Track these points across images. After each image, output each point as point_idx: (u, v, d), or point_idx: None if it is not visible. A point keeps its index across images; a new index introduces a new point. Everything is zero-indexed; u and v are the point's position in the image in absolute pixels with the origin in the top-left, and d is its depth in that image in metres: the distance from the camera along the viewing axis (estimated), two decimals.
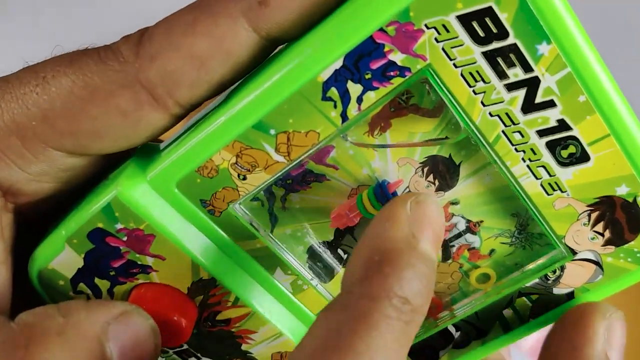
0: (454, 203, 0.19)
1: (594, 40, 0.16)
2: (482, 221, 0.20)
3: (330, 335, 0.15)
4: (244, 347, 0.21)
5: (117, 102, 0.17)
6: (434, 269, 0.16)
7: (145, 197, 0.18)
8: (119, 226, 0.18)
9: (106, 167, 0.19)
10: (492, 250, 0.20)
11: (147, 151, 0.19)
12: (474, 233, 0.20)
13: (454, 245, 0.20)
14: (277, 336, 0.20)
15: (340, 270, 0.21)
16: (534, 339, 0.57)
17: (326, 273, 0.21)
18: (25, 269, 0.20)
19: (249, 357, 0.21)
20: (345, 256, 0.21)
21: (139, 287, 0.19)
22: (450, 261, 0.20)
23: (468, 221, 0.20)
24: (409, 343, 0.15)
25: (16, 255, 0.20)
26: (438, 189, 0.19)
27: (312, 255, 0.21)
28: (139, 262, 0.19)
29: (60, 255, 0.19)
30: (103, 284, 0.19)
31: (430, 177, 0.19)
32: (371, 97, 0.16)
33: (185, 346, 0.21)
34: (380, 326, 0.14)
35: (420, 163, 0.19)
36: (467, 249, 0.20)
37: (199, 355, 0.21)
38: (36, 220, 0.20)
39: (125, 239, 0.18)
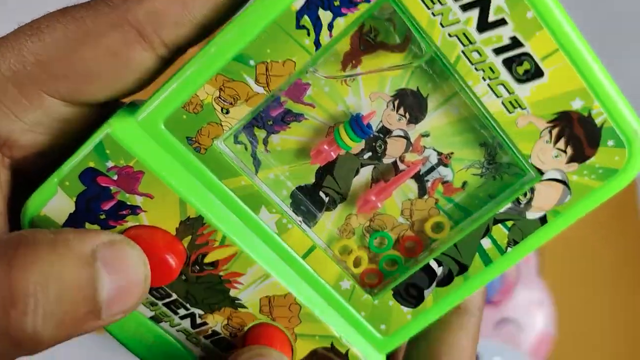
0: (424, 135, 0.21)
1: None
2: (452, 153, 0.21)
3: None
4: (232, 292, 0.21)
5: (108, 42, 0.18)
6: None
7: (135, 135, 0.19)
8: (110, 164, 0.19)
9: (97, 122, 0.21)
10: (465, 183, 0.21)
11: (135, 105, 0.20)
12: (445, 165, 0.21)
13: (428, 180, 0.21)
14: (264, 278, 0.21)
15: (321, 216, 0.22)
16: (535, 339, 0.57)
17: (309, 218, 0.22)
18: (19, 226, 0.20)
19: (238, 304, 0.21)
20: (326, 199, 0.22)
21: (129, 230, 0.20)
22: (426, 197, 0.21)
23: (439, 153, 0.21)
24: None
25: (12, 212, 0.20)
26: (409, 122, 0.20)
27: (295, 200, 0.21)
28: (129, 203, 0.19)
29: (52, 200, 0.19)
30: (93, 229, 0.20)
31: (401, 111, 0.20)
32: (340, 23, 0.18)
33: (175, 296, 0.21)
34: None
35: (391, 96, 0.20)
36: (440, 183, 0.21)
37: (187, 306, 0.21)
38: (32, 177, 0.21)
39: (115, 177, 0.19)
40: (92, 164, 0.19)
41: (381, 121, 0.20)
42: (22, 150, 0.20)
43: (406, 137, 0.21)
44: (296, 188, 0.21)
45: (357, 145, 0.21)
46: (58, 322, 0.17)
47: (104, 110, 0.20)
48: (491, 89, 0.19)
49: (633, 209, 0.66)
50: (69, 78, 0.19)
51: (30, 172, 0.21)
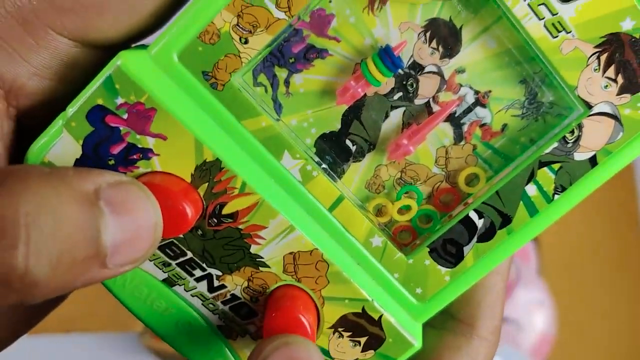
0: (460, 71, 0.19)
1: None
2: (490, 91, 0.19)
3: None
4: (253, 249, 0.19)
5: None
6: None
7: (148, 69, 0.18)
8: (120, 101, 0.17)
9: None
10: (505, 126, 0.19)
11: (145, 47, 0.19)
12: (483, 106, 0.19)
13: (464, 123, 0.20)
14: (289, 231, 0.19)
15: (348, 167, 0.20)
16: (535, 339, 0.56)
17: (335, 169, 0.20)
18: None
19: (260, 263, 0.19)
20: (354, 148, 0.20)
21: (140, 177, 0.18)
22: (463, 143, 0.20)
23: (476, 92, 0.19)
24: None
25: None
26: (443, 56, 0.19)
27: (319, 148, 0.20)
28: (140, 145, 0.18)
29: (57, 144, 0.18)
30: None
31: (434, 43, 0.19)
32: None
33: (190, 255, 0.19)
34: None
35: (422, 27, 0.19)
36: (478, 126, 0.20)
37: (204, 266, 0.19)
38: (36, 130, 0.19)
39: (125, 116, 0.18)
40: (100, 101, 0.17)
41: (412, 55, 0.19)
42: (28, 99, 0.18)
43: (440, 74, 0.19)
44: (320, 136, 0.20)
45: (386, 82, 0.19)
46: (54, 261, 0.15)
47: (114, 56, 0.19)
48: (532, 9, 0.17)
49: (633, 209, 0.67)
50: (77, 12, 0.18)
51: (35, 125, 0.19)
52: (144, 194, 0.17)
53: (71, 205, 0.15)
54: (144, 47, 0.19)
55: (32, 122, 0.19)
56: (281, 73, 0.19)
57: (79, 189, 0.15)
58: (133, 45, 0.19)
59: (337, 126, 0.20)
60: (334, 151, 0.20)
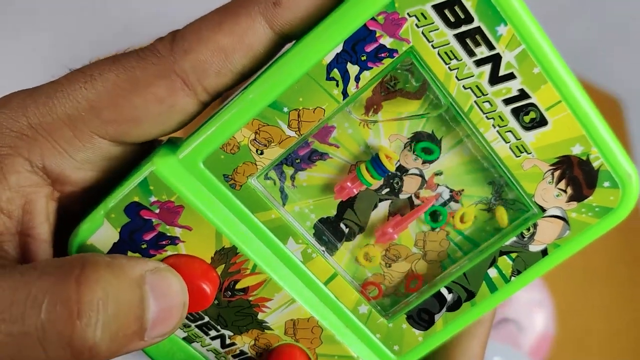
0: (438, 174, 0.23)
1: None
2: (463, 190, 0.23)
3: None
4: (260, 315, 0.23)
5: (155, 91, 0.20)
6: None
7: (177, 173, 0.21)
8: (153, 199, 0.21)
9: (139, 160, 0.22)
10: (474, 217, 0.23)
11: (173, 142, 0.22)
12: (456, 201, 0.23)
13: (440, 215, 0.23)
14: (290, 303, 0.23)
15: (341, 245, 0.24)
16: (535, 339, 0.58)
17: (329, 247, 0.24)
18: (63, 253, 0.22)
19: (265, 326, 0.23)
20: (347, 230, 0.23)
21: (168, 258, 0.22)
22: (438, 230, 0.23)
23: (451, 190, 0.23)
24: None
25: (56, 240, 0.22)
26: (424, 162, 0.22)
27: (318, 230, 0.23)
28: (169, 234, 0.21)
29: (99, 231, 0.21)
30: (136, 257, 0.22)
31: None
32: (366, 75, 0.20)
33: (207, 319, 0.23)
34: None
35: (408, 138, 0.22)
36: (452, 217, 0.23)
37: (218, 327, 0.23)
38: (75, 213, 0.22)
39: (157, 211, 0.21)
40: (136, 199, 0.21)
41: (399, 160, 0.22)
42: (71, 186, 0.22)
43: (421, 175, 0.23)
44: (319, 220, 0.23)
45: (377, 182, 0.23)
46: (113, 336, 0.18)
47: (145, 147, 0.22)
48: (500, 135, 0.21)
49: (633, 209, 0.67)
50: (119, 122, 0.21)
51: (75, 204, 0.22)
52: (177, 279, 0.20)
53: (127, 291, 0.19)
54: (172, 144, 0.22)
55: (73, 203, 0.22)
56: (288, 170, 0.22)
57: (132, 275, 0.19)
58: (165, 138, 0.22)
59: (333, 213, 0.23)
60: (330, 232, 0.23)
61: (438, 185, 0.23)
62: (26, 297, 0.18)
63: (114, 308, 0.18)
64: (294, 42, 0.21)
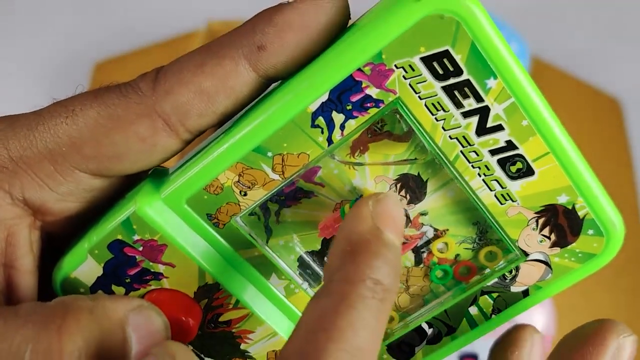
0: (423, 214, 0.23)
1: None
2: (447, 229, 0.23)
3: (317, 318, 0.17)
4: (242, 346, 0.23)
5: (137, 129, 0.20)
6: (398, 253, 0.19)
7: (160, 212, 0.21)
8: (136, 237, 0.21)
9: (123, 188, 0.22)
10: (457, 255, 0.23)
11: (158, 174, 0.22)
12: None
13: (424, 252, 0.23)
14: (272, 335, 0.23)
15: None
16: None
17: (314, 279, 0.24)
18: (48, 281, 0.22)
19: (247, 356, 0.23)
20: None
21: (151, 292, 0.22)
22: (421, 266, 0.24)
23: (435, 230, 0.23)
24: (386, 318, 0.18)
25: (41, 269, 0.22)
26: (409, 202, 0.22)
27: (302, 263, 0.23)
28: (152, 270, 0.21)
29: (82, 265, 0.21)
30: (119, 290, 0.22)
31: (403, 192, 0.22)
32: (352, 124, 0.20)
33: (191, 348, 0.23)
34: (358, 305, 0.17)
35: (394, 180, 0.22)
36: (430, 246, 0.23)
37: (202, 356, 0.23)
38: (59, 237, 0.23)
39: (141, 248, 0.21)
40: (119, 237, 0.21)
41: None
42: (53, 216, 0.22)
43: (406, 215, 0.23)
44: (304, 253, 0.23)
45: None
46: None
47: (129, 179, 0.22)
48: (485, 183, 0.21)
49: (633, 209, 0.67)
50: (99, 159, 0.20)
51: (59, 233, 0.23)
52: (159, 317, 0.21)
53: (109, 335, 0.19)
54: (159, 179, 0.22)
55: (58, 229, 0.22)
56: (273, 207, 0.22)
57: (114, 318, 0.19)
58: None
59: (317, 247, 0.23)
60: (316, 265, 0.24)
61: (423, 224, 0.23)
62: (9, 346, 0.18)
63: (96, 355, 0.19)
64: (279, 82, 0.21)
